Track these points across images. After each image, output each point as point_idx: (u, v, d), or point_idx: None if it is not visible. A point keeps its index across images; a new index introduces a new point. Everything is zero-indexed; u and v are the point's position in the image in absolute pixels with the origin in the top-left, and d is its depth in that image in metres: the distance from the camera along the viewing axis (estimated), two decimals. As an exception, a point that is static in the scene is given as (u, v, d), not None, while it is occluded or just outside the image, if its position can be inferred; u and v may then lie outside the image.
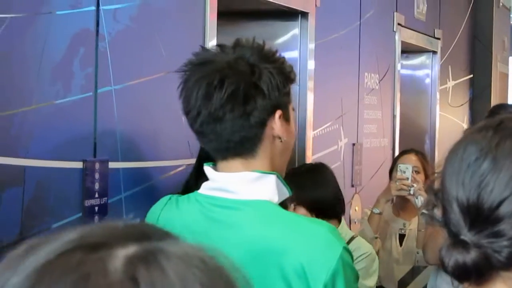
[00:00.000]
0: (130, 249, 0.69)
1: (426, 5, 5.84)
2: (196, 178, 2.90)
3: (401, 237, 4.24)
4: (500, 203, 1.18)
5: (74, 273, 0.67)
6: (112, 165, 2.52)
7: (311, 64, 3.94)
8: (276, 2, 3.61)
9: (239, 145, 1.82)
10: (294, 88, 3.87)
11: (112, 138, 2.53)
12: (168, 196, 2.03)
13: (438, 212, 1.28)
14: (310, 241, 1.79)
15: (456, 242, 1.20)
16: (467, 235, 1.19)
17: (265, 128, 1.83)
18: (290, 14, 3.86)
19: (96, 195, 2.44)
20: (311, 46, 3.94)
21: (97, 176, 2.44)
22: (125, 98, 2.57)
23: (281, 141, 1.86)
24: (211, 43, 3.04)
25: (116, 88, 2.52)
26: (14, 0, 2.14)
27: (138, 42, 2.64)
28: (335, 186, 3.37)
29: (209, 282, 0.67)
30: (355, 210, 4.70)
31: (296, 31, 3.91)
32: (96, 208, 2.44)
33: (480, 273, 1.19)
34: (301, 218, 1.96)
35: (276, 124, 1.83)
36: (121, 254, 0.68)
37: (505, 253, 1.17)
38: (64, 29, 2.31)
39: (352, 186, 4.71)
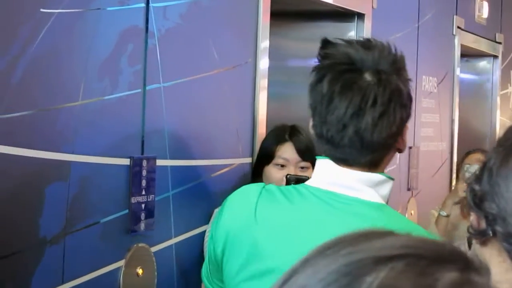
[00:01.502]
0: (455, 272, 0.68)
1: (487, 9, 5.70)
2: (253, 179, 2.87)
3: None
4: None
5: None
6: (160, 162, 2.48)
7: (367, 66, 3.86)
8: (332, 3, 3.54)
9: (375, 155, 1.79)
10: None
11: (161, 135, 2.49)
12: (259, 184, 1.90)
13: (473, 222, 1.16)
14: None
15: None
16: None
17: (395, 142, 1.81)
18: (346, 16, 3.79)
19: (143, 192, 2.41)
20: (367, 48, 3.86)
21: (144, 173, 2.40)
22: (174, 96, 2.53)
23: (399, 153, 1.86)
24: (264, 43, 2.99)
25: (165, 86, 2.49)
26: (62, -4, 2.11)
27: (188, 40, 2.60)
28: None
29: None
30: (411, 214, 4.60)
31: (352, 33, 3.84)
32: (143, 205, 2.41)
33: None
34: (419, 226, 1.89)
35: (403, 137, 1.81)
36: (450, 273, 0.67)
37: None
38: (113, 25, 2.28)
39: (408, 189, 4.61)
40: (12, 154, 1.99)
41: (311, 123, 1.84)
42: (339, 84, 1.74)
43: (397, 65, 1.79)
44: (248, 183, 2.83)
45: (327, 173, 1.81)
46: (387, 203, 1.84)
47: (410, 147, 4.56)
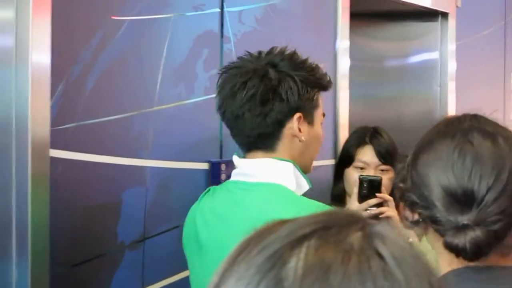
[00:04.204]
0: (359, 231, 0.71)
1: None
2: (335, 181, 2.78)
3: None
4: (488, 190, 1.24)
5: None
6: (239, 166, 2.40)
7: (452, 65, 3.71)
8: (415, 3, 3.41)
9: (259, 140, 1.93)
10: (434, 89, 3.67)
11: (239, 139, 2.42)
12: (208, 188, 2.03)
13: (407, 215, 1.33)
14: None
15: (460, 226, 1.23)
16: (465, 219, 1.23)
17: (284, 128, 1.93)
18: (429, 15, 3.65)
19: (223, 196, 2.34)
20: (452, 46, 3.71)
21: (223, 177, 2.33)
22: (253, 100, 2.45)
23: (299, 141, 1.94)
24: (344, 44, 2.89)
25: (242, 90, 2.41)
26: (136, 2, 2.06)
27: (265, 43, 2.50)
28: None
29: (423, 268, 0.70)
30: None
31: (436, 32, 3.69)
32: (223, 209, 2.33)
33: (490, 247, 1.23)
34: (307, 199, 1.90)
35: (293, 125, 1.92)
36: (357, 232, 0.70)
37: (498, 226, 1.23)
38: (187, 31, 2.21)
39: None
40: (89, 161, 1.95)
41: None
42: (225, 79, 1.95)
43: (291, 60, 1.96)
44: (330, 184, 2.75)
45: (236, 165, 1.98)
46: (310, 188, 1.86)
47: (500, 145, 4.37)
